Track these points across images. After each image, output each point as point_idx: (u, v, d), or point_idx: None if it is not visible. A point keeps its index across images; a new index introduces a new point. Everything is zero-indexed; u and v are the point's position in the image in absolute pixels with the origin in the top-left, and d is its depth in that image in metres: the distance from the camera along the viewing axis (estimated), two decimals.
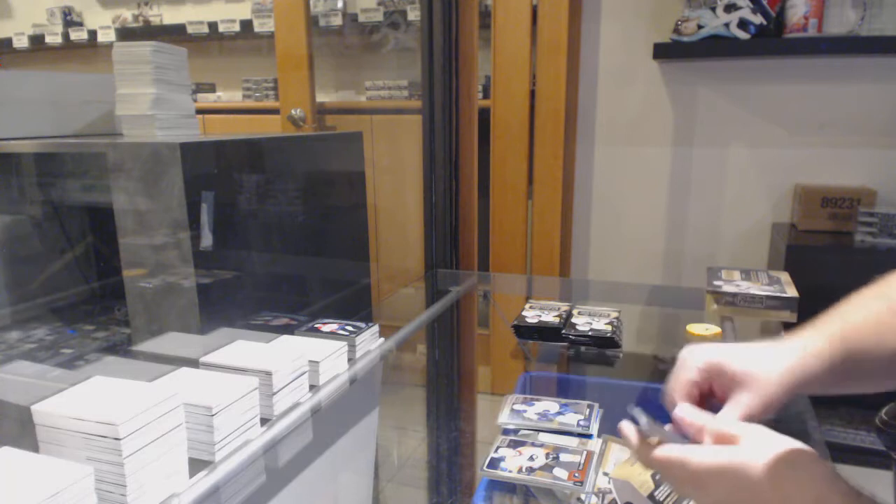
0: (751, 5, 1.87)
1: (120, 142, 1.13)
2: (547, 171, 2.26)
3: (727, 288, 1.29)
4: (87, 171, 1.29)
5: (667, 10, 2.09)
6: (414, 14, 2.83)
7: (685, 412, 0.58)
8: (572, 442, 0.90)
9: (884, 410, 0.79)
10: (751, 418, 0.58)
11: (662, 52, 2.02)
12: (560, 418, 0.95)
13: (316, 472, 0.88)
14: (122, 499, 0.63)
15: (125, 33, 3.44)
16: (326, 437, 0.93)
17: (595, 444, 0.89)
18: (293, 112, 2.66)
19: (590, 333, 1.26)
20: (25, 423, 0.65)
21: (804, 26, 1.87)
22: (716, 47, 1.94)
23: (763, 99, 2.09)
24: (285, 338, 1.00)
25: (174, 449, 0.68)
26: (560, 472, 0.80)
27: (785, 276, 1.37)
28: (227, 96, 3.44)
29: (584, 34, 2.24)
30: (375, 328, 1.12)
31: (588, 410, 0.97)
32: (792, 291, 1.27)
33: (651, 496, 0.68)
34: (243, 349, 0.91)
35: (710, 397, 0.63)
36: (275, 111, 2.77)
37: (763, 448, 0.51)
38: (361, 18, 2.94)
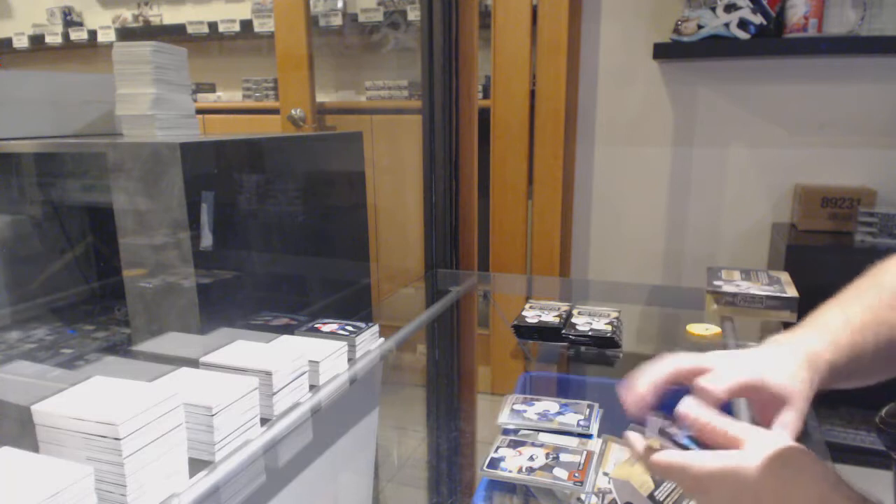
0: (751, 5, 1.87)
1: (120, 142, 1.13)
2: (547, 171, 2.26)
3: (727, 288, 1.29)
4: (87, 171, 1.29)
5: (667, 10, 2.09)
6: (414, 14, 2.83)
7: (691, 408, 0.58)
8: (572, 442, 0.90)
9: (884, 410, 0.79)
10: (796, 433, 0.58)
11: (662, 52, 2.02)
12: (560, 418, 0.95)
13: (316, 472, 0.88)
14: (122, 499, 0.63)
15: (125, 33, 3.44)
16: (326, 437, 0.93)
17: (595, 444, 0.89)
18: (293, 112, 2.66)
19: (590, 333, 1.26)
20: (25, 423, 0.65)
21: (804, 26, 1.87)
22: (716, 47, 1.94)
23: (763, 99, 2.09)
24: (285, 338, 1.00)
25: (174, 449, 0.68)
26: (560, 472, 0.80)
27: (785, 276, 1.37)
28: (227, 96, 3.44)
29: (584, 34, 2.24)
30: (375, 328, 1.12)
31: (588, 410, 0.97)
32: (792, 291, 1.27)
33: (651, 496, 0.68)
34: (243, 349, 0.91)
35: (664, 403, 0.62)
36: (275, 111, 2.77)
37: (766, 451, 0.51)
38: (361, 18, 2.94)
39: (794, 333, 0.66)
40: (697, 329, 1.27)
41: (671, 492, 0.68)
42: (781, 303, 1.24)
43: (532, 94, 2.25)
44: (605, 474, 0.82)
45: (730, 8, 1.89)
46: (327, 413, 0.92)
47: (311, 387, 0.93)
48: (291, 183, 1.35)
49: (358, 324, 1.10)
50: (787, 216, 2.14)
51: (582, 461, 0.83)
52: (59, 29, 3.54)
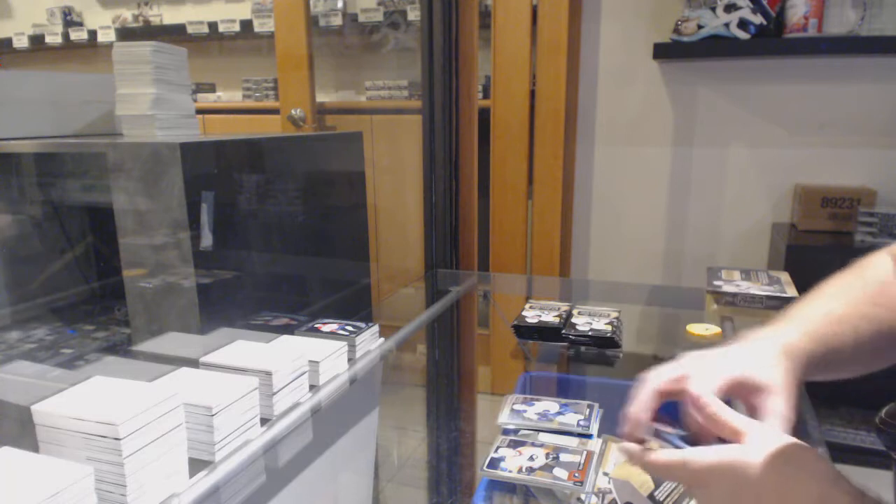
0: (751, 5, 1.87)
1: (120, 142, 1.13)
2: (547, 171, 2.26)
3: (727, 288, 1.29)
4: (87, 171, 1.29)
5: (667, 10, 2.09)
6: (414, 14, 2.83)
7: (703, 392, 0.57)
8: (572, 442, 0.90)
9: (884, 410, 0.79)
10: (788, 424, 0.59)
11: (662, 52, 2.02)
12: (560, 418, 0.95)
13: (316, 472, 0.88)
14: (122, 499, 0.63)
15: (125, 33, 3.44)
16: (326, 437, 0.93)
17: (595, 444, 0.89)
18: (293, 112, 2.66)
19: (590, 333, 1.26)
20: (25, 423, 0.65)
21: (804, 26, 1.87)
22: (716, 47, 1.94)
23: (763, 99, 2.09)
24: (285, 338, 1.00)
25: (174, 449, 0.68)
26: (560, 472, 0.80)
27: (785, 276, 1.37)
28: (227, 96, 3.44)
29: (584, 34, 2.24)
30: (375, 328, 1.12)
31: (588, 410, 0.97)
32: (792, 291, 1.27)
33: (651, 496, 0.68)
34: (243, 349, 0.91)
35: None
36: (275, 111, 2.77)
37: (767, 447, 0.51)
38: (361, 18, 2.94)
39: (771, 327, 0.66)
40: (697, 329, 1.27)
41: (671, 492, 0.68)
42: (781, 303, 1.24)
43: (532, 94, 2.24)
44: (605, 474, 0.82)
45: (730, 8, 1.89)
46: (327, 413, 0.92)
47: (311, 387, 0.93)
48: (291, 183, 1.35)
49: (358, 324, 1.10)
50: (787, 216, 2.14)
51: (582, 461, 0.83)
52: (59, 29, 3.54)
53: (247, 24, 3.18)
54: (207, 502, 0.70)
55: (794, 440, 0.52)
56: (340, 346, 1.00)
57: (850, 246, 1.87)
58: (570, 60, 2.19)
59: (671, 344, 1.44)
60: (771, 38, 1.93)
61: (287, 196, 1.33)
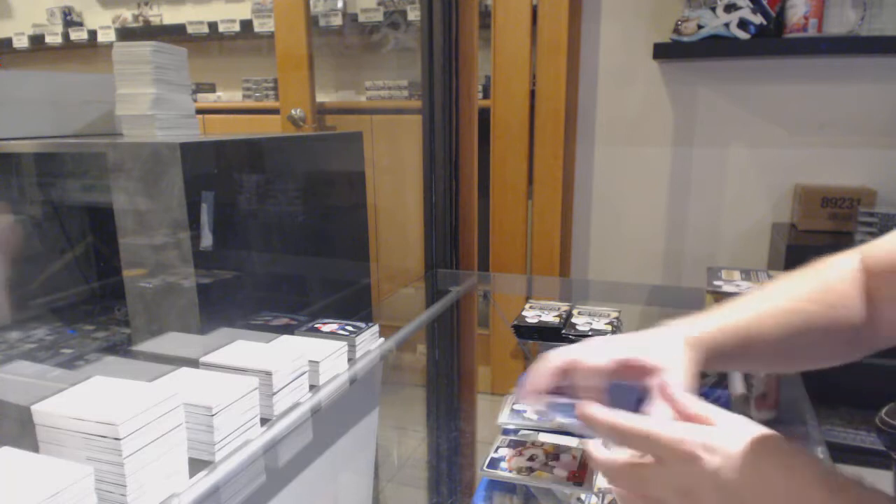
0: (751, 5, 1.87)
1: (120, 142, 1.13)
2: (547, 171, 2.26)
3: (727, 288, 1.29)
4: (87, 171, 1.29)
5: (667, 10, 2.09)
6: (414, 14, 2.83)
7: (674, 387, 0.60)
8: (572, 442, 0.89)
9: (884, 410, 0.80)
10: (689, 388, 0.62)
11: (662, 52, 2.01)
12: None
13: (316, 472, 0.88)
14: (122, 499, 0.63)
15: (125, 33, 3.44)
16: (326, 437, 0.93)
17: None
18: (293, 112, 2.66)
19: (590, 333, 1.26)
20: (25, 423, 0.65)
21: (804, 26, 1.87)
22: (716, 47, 1.94)
23: (763, 99, 2.09)
24: (285, 338, 1.00)
25: (174, 449, 0.68)
26: (560, 472, 0.80)
27: None
28: (227, 96, 3.44)
29: (584, 34, 2.24)
30: (375, 328, 1.12)
31: None
32: None
33: None
34: (243, 349, 0.91)
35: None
36: (275, 111, 2.77)
37: (738, 429, 0.52)
38: (361, 18, 2.94)
39: (691, 318, 0.71)
40: None
41: None
42: None
43: (532, 94, 2.24)
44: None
45: (730, 8, 1.89)
46: (327, 413, 0.92)
47: (311, 387, 0.93)
48: (291, 183, 1.35)
49: (358, 324, 1.10)
50: (787, 216, 2.14)
51: (582, 461, 0.83)
52: (59, 29, 3.54)
53: (247, 24, 3.18)
54: (207, 502, 0.70)
55: (761, 426, 0.52)
56: (340, 346, 1.00)
57: (850, 246, 1.86)
58: (570, 60, 2.19)
59: None
60: (771, 38, 1.93)
61: (287, 196, 1.33)
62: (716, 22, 1.91)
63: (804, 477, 0.48)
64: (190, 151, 1.06)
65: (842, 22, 1.85)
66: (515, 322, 1.34)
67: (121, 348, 1.29)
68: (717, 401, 1.00)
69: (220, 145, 1.17)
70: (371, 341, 1.10)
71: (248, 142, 1.26)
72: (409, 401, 1.32)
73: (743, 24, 1.89)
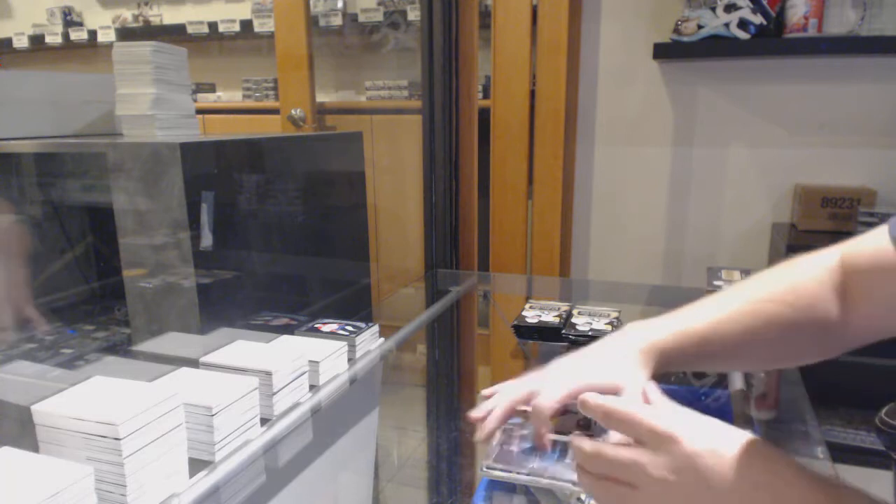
0: (751, 5, 1.87)
1: (120, 142, 1.13)
2: (547, 171, 2.26)
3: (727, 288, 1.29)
4: (87, 171, 1.29)
5: (667, 10, 2.08)
6: (414, 14, 2.83)
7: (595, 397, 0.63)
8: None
9: (884, 410, 0.80)
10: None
11: (662, 52, 2.01)
12: (561, 418, 0.95)
13: (316, 472, 0.88)
14: (122, 499, 0.63)
15: (125, 33, 3.44)
16: (326, 437, 0.93)
17: None
18: (293, 112, 2.66)
19: (590, 333, 1.26)
20: (25, 423, 0.65)
21: (804, 26, 1.87)
22: (716, 47, 1.94)
23: (763, 99, 2.09)
24: (285, 338, 1.00)
25: (174, 449, 0.68)
26: (560, 472, 0.80)
27: None
28: (227, 96, 3.44)
29: (584, 34, 2.24)
30: (375, 328, 1.12)
31: None
32: None
33: None
34: (243, 349, 0.91)
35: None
36: (275, 111, 2.77)
37: (713, 423, 0.54)
38: (361, 18, 2.94)
39: (648, 321, 0.77)
40: None
41: None
42: None
43: (532, 94, 2.24)
44: None
45: (730, 8, 1.89)
46: (327, 413, 0.92)
47: (311, 387, 0.93)
48: (291, 183, 1.35)
49: (358, 324, 1.10)
50: (787, 216, 2.14)
51: None
52: (59, 29, 3.54)
53: (247, 24, 3.18)
54: (207, 502, 0.70)
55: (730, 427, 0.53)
56: (340, 346, 1.00)
57: None
58: (570, 60, 2.19)
59: None
60: (771, 38, 1.93)
61: (287, 196, 1.33)
62: (716, 22, 1.91)
63: (786, 475, 0.48)
64: (190, 151, 1.06)
65: (842, 22, 1.85)
66: (515, 322, 1.34)
67: (121, 348, 1.29)
68: (717, 401, 1.00)
69: (220, 145, 1.17)
70: (371, 341, 1.10)
71: (248, 142, 1.26)
72: (409, 401, 1.32)
73: (743, 24, 1.89)
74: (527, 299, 1.49)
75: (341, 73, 3.18)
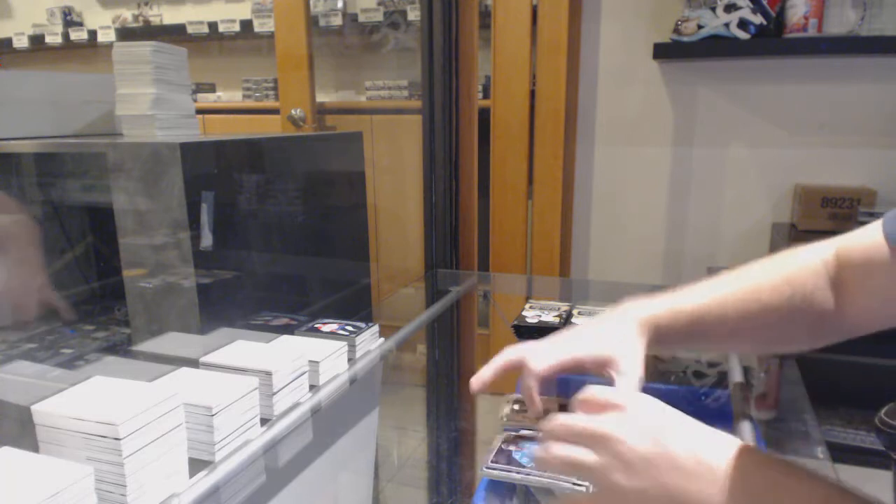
0: (751, 5, 1.87)
1: (120, 142, 1.13)
2: (547, 171, 2.26)
3: None
4: (87, 171, 1.29)
5: (667, 10, 2.09)
6: (414, 14, 2.83)
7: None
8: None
9: (883, 410, 0.80)
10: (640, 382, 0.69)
11: (662, 52, 2.01)
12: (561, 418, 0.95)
13: (316, 472, 0.88)
14: (122, 499, 0.63)
15: (125, 33, 3.44)
16: (326, 437, 0.93)
17: None
18: (293, 112, 2.66)
19: None
20: (25, 423, 0.65)
21: (804, 26, 1.87)
22: (716, 47, 1.94)
23: (763, 99, 2.09)
24: (285, 338, 1.00)
25: (174, 449, 0.68)
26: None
27: None
28: (227, 96, 3.44)
29: (584, 34, 2.24)
30: (375, 328, 1.12)
31: None
32: None
33: None
34: (243, 349, 0.91)
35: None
36: (275, 111, 2.77)
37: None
38: (361, 18, 2.94)
39: (648, 298, 0.77)
40: None
41: None
42: None
43: (532, 94, 2.24)
44: None
45: (730, 8, 1.89)
46: (327, 413, 0.92)
47: (311, 387, 0.93)
48: (291, 183, 1.35)
49: (358, 324, 1.10)
50: (787, 216, 2.14)
51: None
52: (59, 29, 3.54)
53: (247, 24, 3.18)
54: (207, 502, 0.70)
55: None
56: (340, 346, 1.00)
57: None
58: (570, 60, 2.19)
59: None
60: (771, 38, 1.93)
61: (287, 196, 1.33)
62: (716, 22, 1.91)
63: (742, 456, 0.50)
64: (190, 151, 1.06)
65: (842, 22, 1.85)
66: (515, 322, 1.34)
67: (121, 348, 1.29)
68: (717, 401, 1.00)
69: (220, 145, 1.17)
70: (371, 341, 1.10)
71: (248, 142, 1.26)
72: (409, 401, 1.32)
73: (743, 24, 1.89)
74: (527, 299, 1.49)
75: (341, 73, 3.18)
